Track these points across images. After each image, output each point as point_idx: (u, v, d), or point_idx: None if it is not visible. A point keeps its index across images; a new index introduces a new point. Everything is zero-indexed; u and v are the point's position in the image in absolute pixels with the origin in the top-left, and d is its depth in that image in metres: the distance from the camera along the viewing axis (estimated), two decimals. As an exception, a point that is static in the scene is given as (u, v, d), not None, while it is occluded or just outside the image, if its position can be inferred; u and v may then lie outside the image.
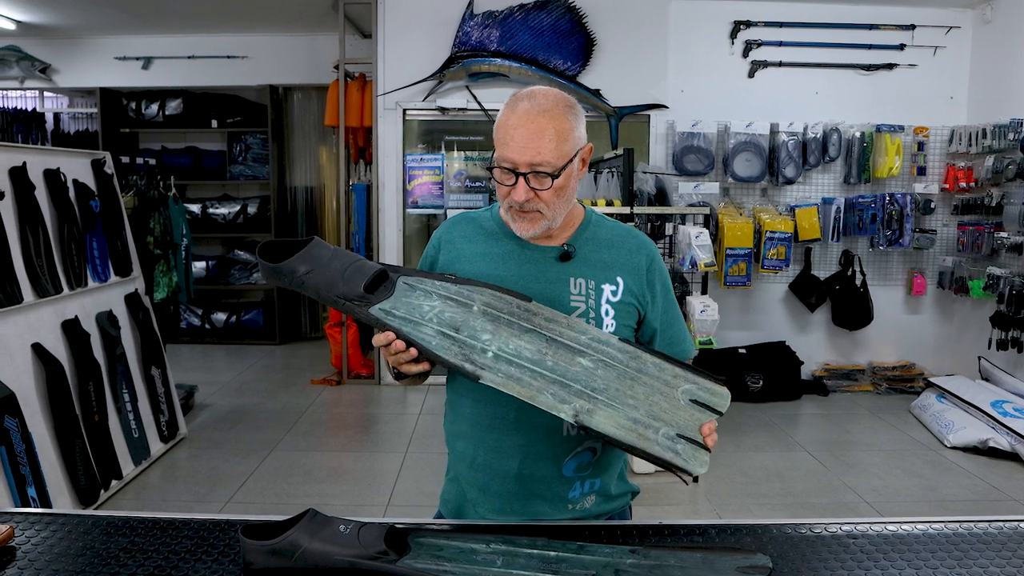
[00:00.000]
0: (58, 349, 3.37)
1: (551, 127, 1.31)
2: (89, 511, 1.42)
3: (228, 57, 6.96)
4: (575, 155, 1.35)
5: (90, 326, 3.65)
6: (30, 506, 2.93)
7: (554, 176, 1.32)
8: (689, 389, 1.27)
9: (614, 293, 1.41)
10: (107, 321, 3.78)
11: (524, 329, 1.28)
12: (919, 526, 1.34)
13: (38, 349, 3.23)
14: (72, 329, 3.48)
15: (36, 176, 3.44)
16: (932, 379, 5.25)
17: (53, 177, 3.55)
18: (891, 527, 1.34)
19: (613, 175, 4.60)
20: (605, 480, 1.46)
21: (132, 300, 4.10)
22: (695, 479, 1.25)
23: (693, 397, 1.27)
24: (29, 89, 7.17)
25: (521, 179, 1.31)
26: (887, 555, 1.24)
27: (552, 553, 1.18)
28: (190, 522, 1.31)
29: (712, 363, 5.17)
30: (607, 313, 1.40)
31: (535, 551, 1.19)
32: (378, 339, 1.28)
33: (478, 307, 1.28)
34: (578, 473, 1.42)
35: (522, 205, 1.34)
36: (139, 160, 4.82)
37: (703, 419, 1.26)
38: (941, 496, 3.83)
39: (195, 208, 7.07)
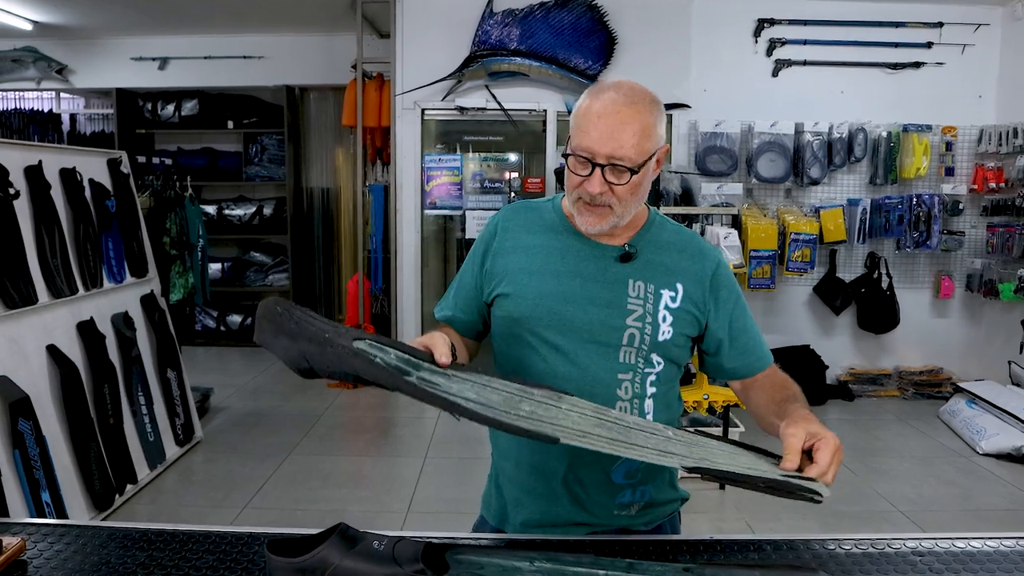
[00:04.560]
0: (73, 351, 3.32)
1: (636, 120, 1.23)
2: (104, 522, 1.34)
3: (244, 57, 6.92)
4: (654, 154, 1.28)
5: (105, 327, 3.59)
6: (44, 511, 2.87)
7: (633, 171, 1.25)
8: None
9: (673, 299, 1.34)
10: (123, 323, 3.73)
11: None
12: (989, 543, 1.25)
13: (53, 351, 3.18)
14: (87, 330, 3.43)
15: (52, 175, 3.39)
16: (961, 384, 5.12)
17: (69, 176, 3.50)
18: (959, 544, 1.25)
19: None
20: (654, 489, 1.41)
21: (148, 301, 4.05)
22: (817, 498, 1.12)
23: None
24: (45, 90, 7.16)
25: (597, 170, 1.24)
26: (959, 574, 1.15)
27: (600, 572, 1.10)
28: (211, 535, 1.24)
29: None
30: (664, 319, 1.33)
31: (582, 569, 1.10)
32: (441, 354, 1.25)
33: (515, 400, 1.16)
34: (627, 480, 1.36)
35: (593, 198, 1.26)
36: (155, 160, 4.78)
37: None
38: (976, 505, 3.72)
39: (211, 209, 7.03)
